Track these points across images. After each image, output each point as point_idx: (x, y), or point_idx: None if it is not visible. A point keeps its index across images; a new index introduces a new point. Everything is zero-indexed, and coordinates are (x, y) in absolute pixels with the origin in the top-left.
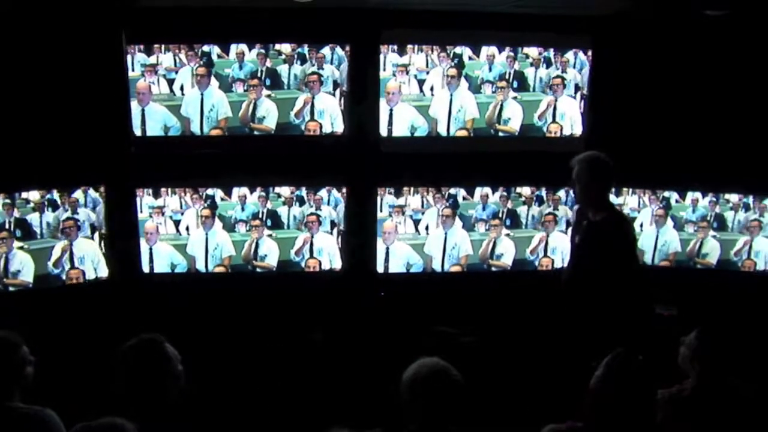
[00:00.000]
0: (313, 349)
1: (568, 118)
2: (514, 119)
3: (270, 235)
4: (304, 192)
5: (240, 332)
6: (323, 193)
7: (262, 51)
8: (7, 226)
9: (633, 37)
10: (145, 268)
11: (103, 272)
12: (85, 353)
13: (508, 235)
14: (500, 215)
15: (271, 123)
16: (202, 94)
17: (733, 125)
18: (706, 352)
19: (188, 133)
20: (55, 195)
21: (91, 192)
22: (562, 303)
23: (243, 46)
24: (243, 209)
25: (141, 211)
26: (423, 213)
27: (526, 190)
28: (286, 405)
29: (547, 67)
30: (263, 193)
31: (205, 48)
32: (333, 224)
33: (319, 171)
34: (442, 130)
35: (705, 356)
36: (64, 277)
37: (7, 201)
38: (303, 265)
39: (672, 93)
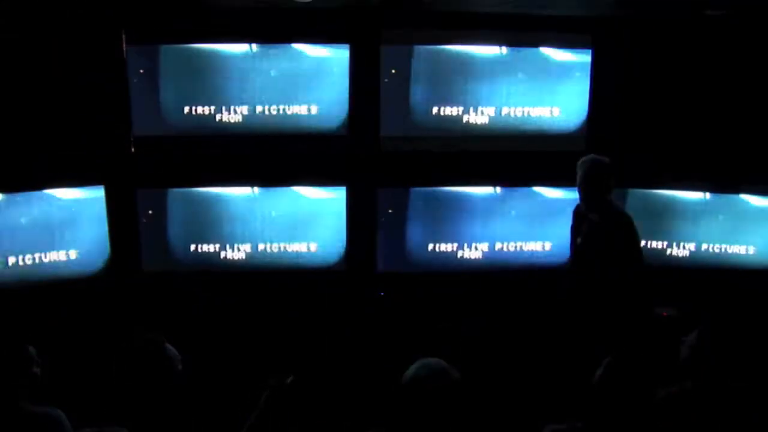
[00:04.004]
0: (313, 348)
1: None
2: None
3: None
4: None
5: (240, 331)
6: None
7: None
8: None
9: (633, 37)
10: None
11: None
12: (85, 352)
13: None
14: None
15: None
16: None
17: (732, 124)
18: (707, 352)
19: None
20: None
21: None
22: (563, 302)
23: None
24: None
25: None
26: None
27: None
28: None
29: None
30: None
31: None
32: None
33: (319, 170)
34: None
35: (705, 356)
36: None
37: None
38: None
39: (672, 92)
